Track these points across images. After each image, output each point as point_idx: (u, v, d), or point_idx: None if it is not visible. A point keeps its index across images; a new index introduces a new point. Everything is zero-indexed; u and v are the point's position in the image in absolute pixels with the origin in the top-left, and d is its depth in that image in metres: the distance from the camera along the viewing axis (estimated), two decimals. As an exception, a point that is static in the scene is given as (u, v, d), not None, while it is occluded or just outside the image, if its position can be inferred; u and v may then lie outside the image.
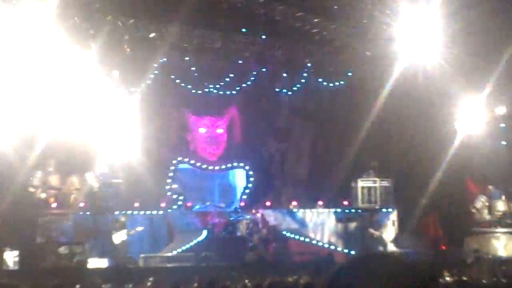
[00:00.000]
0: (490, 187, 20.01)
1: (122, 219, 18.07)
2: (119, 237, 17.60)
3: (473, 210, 19.84)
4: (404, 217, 20.25)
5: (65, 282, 10.92)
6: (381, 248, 19.03)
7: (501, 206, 19.72)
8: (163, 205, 19.75)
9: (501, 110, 20.12)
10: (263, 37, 20.93)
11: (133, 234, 18.14)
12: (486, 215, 19.72)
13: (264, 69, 22.05)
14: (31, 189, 17.51)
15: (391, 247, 19.51)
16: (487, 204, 19.79)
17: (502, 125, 20.37)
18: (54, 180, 17.87)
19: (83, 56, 20.04)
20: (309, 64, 22.25)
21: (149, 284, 12.07)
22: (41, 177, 17.78)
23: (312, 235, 20.02)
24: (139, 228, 18.36)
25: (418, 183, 19.85)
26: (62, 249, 15.97)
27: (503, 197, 19.87)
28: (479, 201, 19.76)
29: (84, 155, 19.42)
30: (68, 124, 19.27)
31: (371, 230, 19.67)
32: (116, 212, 18.51)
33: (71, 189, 17.37)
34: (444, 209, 19.91)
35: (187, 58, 20.92)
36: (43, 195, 17.60)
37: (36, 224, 16.70)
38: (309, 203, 20.81)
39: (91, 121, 19.25)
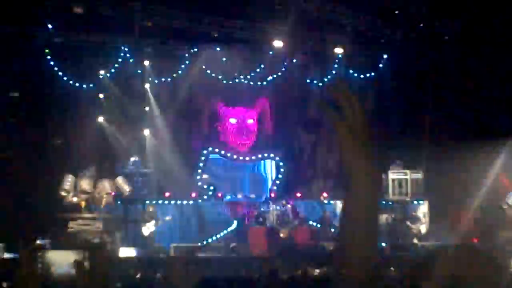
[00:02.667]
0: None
1: (151, 209, 18.12)
2: (148, 227, 17.66)
3: (505, 206, 19.59)
4: (435, 210, 20.10)
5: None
6: (414, 241, 18.88)
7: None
8: (193, 195, 19.81)
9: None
10: (295, 27, 20.79)
11: (162, 223, 18.20)
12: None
13: (295, 60, 21.91)
14: (63, 193, 17.66)
15: (422, 239, 19.35)
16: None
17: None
18: (85, 184, 17.95)
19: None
20: (340, 55, 22.06)
21: (178, 273, 12.07)
22: (72, 182, 17.90)
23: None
24: (168, 218, 18.42)
25: (450, 176, 19.68)
26: (93, 239, 16.09)
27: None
28: (511, 196, 19.50)
29: (115, 157, 19.68)
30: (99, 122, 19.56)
31: (408, 223, 19.48)
32: (147, 202, 18.61)
33: (102, 193, 17.44)
34: (476, 203, 19.71)
35: (218, 49, 20.86)
36: (75, 199, 17.71)
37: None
38: (340, 194, 20.72)
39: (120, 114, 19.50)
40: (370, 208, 1.90)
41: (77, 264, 2.04)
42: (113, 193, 17.92)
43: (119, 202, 18.06)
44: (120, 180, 18.19)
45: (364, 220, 1.90)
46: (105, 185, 17.90)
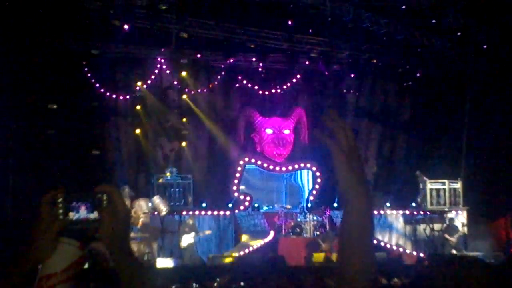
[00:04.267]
0: None
1: (190, 221, 18.07)
2: (187, 239, 17.64)
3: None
4: (474, 220, 19.89)
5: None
6: (452, 251, 18.66)
7: None
8: (230, 205, 19.83)
9: None
10: (330, 38, 20.73)
11: (201, 236, 18.21)
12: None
13: (330, 70, 21.84)
14: None
15: (461, 250, 19.13)
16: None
17: None
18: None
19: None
20: (376, 65, 21.94)
21: (215, 284, 12.08)
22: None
23: (380, 236, 19.80)
24: (207, 232, 18.43)
25: (489, 185, 19.49)
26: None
27: None
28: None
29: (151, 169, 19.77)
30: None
31: (447, 236, 19.25)
32: (184, 213, 18.64)
33: (139, 213, 17.38)
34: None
35: (254, 59, 20.89)
36: None
37: None
38: (377, 204, 20.60)
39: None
40: (363, 220, 2.11)
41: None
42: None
43: (156, 213, 18.04)
44: (157, 199, 18.02)
45: (358, 232, 2.09)
46: (142, 205, 17.77)
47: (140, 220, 17.27)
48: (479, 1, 18.29)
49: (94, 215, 2.14)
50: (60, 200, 2.13)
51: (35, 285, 2.09)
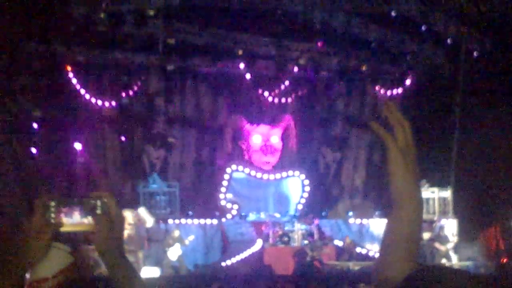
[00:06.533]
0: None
1: (176, 234, 17.77)
2: (175, 251, 17.37)
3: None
4: (464, 229, 19.80)
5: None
6: (442, 260, 18.54)
7: None
8: (217, 214, 19.63)
9: None
10: (319, 44, 20.60)
11: (186, 244, 17.96)
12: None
13: (319, 77, 21.70)
14: None
15: (451, 259, 19.01)
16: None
17: None
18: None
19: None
20: (365, 72, 21.83)
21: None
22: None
23: (368, 246, 19.65)
24: (190, 237, 18.17)
25: (479, 194, 19.41)
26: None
27: None
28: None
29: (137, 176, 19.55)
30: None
31: (437, 245, 19.12)
32: (170, 221, 18.42)
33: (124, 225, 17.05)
34: (506, 221, 19.40)
35: (241, 66, 20.70)
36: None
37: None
38: (366, 213, 20.49)
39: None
40: (414, 228, 1.95)
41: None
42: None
43: (138, 221, 17.77)
44: (142, 211, 17.75)
45: (406, 240, 1.94)
46: (128, 216, 17.47)
47: (126, 232, 16.96)
48: (468, 8, 18.24)
49: (88, 220, 2.13)
50: (52, 204, 2.09)
51: None
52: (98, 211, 2.11)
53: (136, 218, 17.35)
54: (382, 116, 2.05)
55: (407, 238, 1.94)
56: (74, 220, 2.10)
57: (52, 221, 2.07)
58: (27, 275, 2.11)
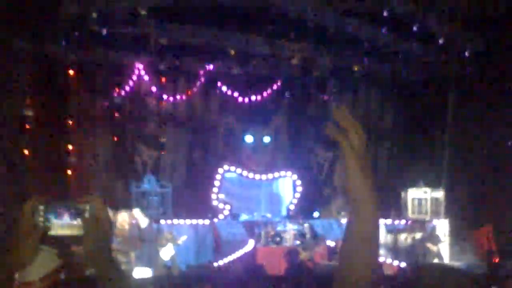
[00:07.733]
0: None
1: (169, 235, 17.73)
2: (168, 252, 17.34)
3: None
4: (456, 229, 19.82)
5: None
6: (434, 260, 18.55)
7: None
8: (209, 214, 19.58)
9: None
10: (311, 43, 20.58)
11: (179, 244, 17.91)
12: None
13: (312, 76, 21.70)
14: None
15: (443, 259, 19.03)
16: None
17: None
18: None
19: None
20: (357, 72, 21.84)
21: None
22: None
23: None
24: (183, 238, 18.12)
25: (471, 194, 19.43)
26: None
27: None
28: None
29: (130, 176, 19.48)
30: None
31: (429, 245, 19.13)
32: (162, 222, 18.37)
33: (124, 225, 16.98)
34: (498, 221, 19.41)
35: (234, 65, 20.67)
36: None
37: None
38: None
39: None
40: (372, 228, 2.05)
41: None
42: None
43: (133, 222, 17.75)
44: (138, 211, 17.69)
45: (367, 239, 2.03)
46: (124, 217, 17.39)
47: (120, 233, 16.94)
48: (461, 7, 18.26)
49: (78, 222, 2.14)
50: (41, 207, 2.09)
51: None
52: (87, 215, 2.13)
53: (131, 219, 17.30)
54: (333, 121, 2.08)
55: (366, 238, 2.02)
56: (63, 223, 2.10)
57: (41, 224, 2.08)
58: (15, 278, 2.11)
